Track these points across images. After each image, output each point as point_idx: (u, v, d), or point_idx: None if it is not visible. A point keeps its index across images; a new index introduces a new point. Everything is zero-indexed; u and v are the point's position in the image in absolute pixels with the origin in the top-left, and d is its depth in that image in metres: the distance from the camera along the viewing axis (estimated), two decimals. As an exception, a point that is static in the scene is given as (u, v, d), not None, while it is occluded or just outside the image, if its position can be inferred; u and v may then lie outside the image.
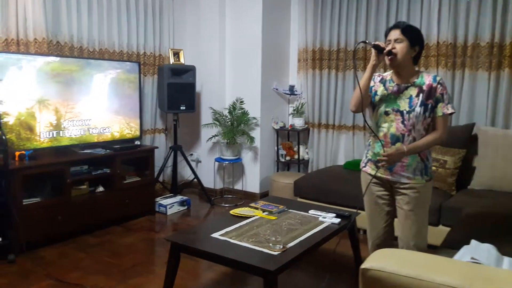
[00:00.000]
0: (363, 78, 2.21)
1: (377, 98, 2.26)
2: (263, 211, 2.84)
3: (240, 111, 4.59)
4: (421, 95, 2.14)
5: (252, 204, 2.97)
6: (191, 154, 5.05)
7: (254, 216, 2.75)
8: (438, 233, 3.19)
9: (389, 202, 2.34)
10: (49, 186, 3.40)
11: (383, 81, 2.28)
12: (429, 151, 2.25)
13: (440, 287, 1.10)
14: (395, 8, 4.14)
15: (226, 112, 4.64)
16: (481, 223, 2.68)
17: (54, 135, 3.46)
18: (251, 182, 4.77)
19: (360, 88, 2.19)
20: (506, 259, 2.07)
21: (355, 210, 2.92)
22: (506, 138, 3.53)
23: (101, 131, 3.79)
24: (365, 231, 3.54)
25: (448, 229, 3.04)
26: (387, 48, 2.13)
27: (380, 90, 2.27)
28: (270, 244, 2.23)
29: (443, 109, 2.13)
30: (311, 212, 2.86)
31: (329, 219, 2.71)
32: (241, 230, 2.48)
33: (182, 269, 2.46)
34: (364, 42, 2.35)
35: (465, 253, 2.12)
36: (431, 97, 2.13)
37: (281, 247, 2.21)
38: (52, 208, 3.30)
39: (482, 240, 2.27)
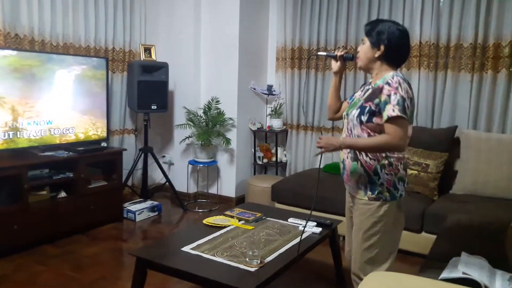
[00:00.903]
0: (330, 85, 2.23)
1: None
2: (239, 220, 2.64)
3: (215, 111, 4.37)
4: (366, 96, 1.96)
5: (227, 212, 2.76)
6: (163, 156, 4.79)
7: (229, 225, 2.54)
8: (421, 241, 3.10)
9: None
10: (4, 192, 3.09)
11: (363, 86, 2.14)
12: (382, 166, 1.91)
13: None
14: (376, 6, 4.01)
15: (200, 112, 4.41)
16: (467, 231, 2.58)
17: (11, 136, 3.15)
18: (227, 186, 4.56)
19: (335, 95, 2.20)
20: (498, 272, 1.96)
21: (335, 217, 2.79)
22: (489, 141, 3.44)
23: (64, 132, 3.50)
24: (344, 238, 3.42)
25: (431, 236, 2.95)
26: (339, 54, 2.12)
27: (358, 95, 2.13)
28: (247, 258, 2.03)
29: (388, 111, 1.81)
30: (291, 220, 2.69)
31: (310, 228, 2.54)
32: (215, 242, 2.27)
33: (149, 284, 2.23)
34: (316, 55, 2.38)
35: (455, 267, 1.99)
36: (372, 99, 1.88)
37: (259, 262, 2.01)
38: (7, 217, 3.00)
39: (470, 250, 2.16)
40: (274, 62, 4.74)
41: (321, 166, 4.30)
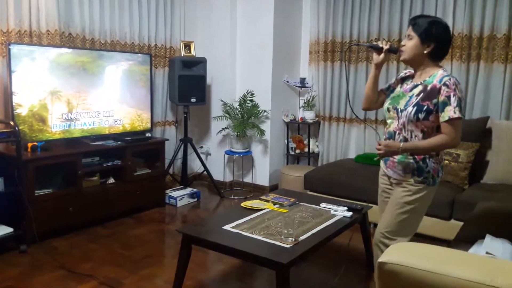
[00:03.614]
0: (369, 77, 2.28)
1: (390, 95, 2.24)
2: (274, 204, 2.83)
3: (250, 104, 4.57)
4: (421, 94, 2.04)
5: (263, 197, 2.96)
6: (201, 147, 5.05)
7: (265, 208, 2.74)
8: (450, 227, 3.17)
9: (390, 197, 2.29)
10: (61, 177, 3.42)
11: (404, 78, 2.24)
12: (430, 155, 2.07)
13: (461, 281, 1.08)
14: (409, -2, 4.08)
15: (236, 105, 4.63)
16: (495, 218, 2.65)
17: (66, 127, 3.47)
18: (261, 175, 4.76)
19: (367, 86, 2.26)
20: (521, 254, 2.04)
21: (366, 204, 2.92)
22: (521, 132, 3.47)
23: (113, 123, 3.80)
24: (375, 225, 3.54)
25: (460, 223, 3.02)
26: (385, 47, 2.14)
27: (397, 87, 2.24)
28: (282, 236, 2.22)
29: (449, 112, 1.94)
30: (323, 205, 2.85)
31: (341, 212, 2.70)
32: (253, 222, 2.48)
33: (192, 261, 2.45)
34: (357, 44, 2.38)
35: (479, 247, 2.10)
36: (430, 98, 1.99)
37: (293, 240, 2.20)
38: (64, 199, 3.33)
39: (496, 235, 2.24)
40: (307, 55, 4.88)
41: (354, 157, 4.45)
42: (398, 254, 1.27)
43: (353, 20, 4.44)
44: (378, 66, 2.20)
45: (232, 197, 4.52)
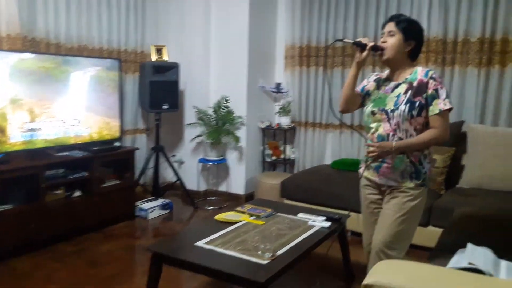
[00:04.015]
0: (348, 77, 2.15)
1: (367, 98, 2.17)
2: (250, 216, 2.70)
3: (225, 110, 4.44)
4: (409, 92, 1.99)
5: (238, 208, 2.83)
6: (174, 155, 4.87)
7: (240, 221, 2.61)
8: (428, 234, 3.13)
9: (381, 208, 2.20)
10: (22, 192, 3.18)
11: (377, 80, 2.17)
12: (425, 156, 2.05)
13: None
14: (385, 3, 4.06)
15: (210, 111, 4.49)
16: (474, 224, 2.62)
17: (28, 137, 3.25)
18: (236, 183, 4.63)
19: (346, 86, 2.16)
20: (503, 262, 2.00)
21: (344, 212, 2.84)
22: (496, 135, 3.48)
23: (79, 132, 3.60)
24: (353, 233, 3.47)
25: (438, 229, 2.98)
26: (370, 44, 2.03)
27: (372, 89, 2.17)
28: (259, 252, 2.10)
29: (439, 105, 1.94)
30: (300, 215, 2.74)
31: (319, 222, 2.60)
32: (227, 237, 2.34)
33: (163, 278, 2.30)
34: (341, 40, 2.27)
35: (461, 258, 2.04)
36: (420, 93, 1.97)
37: (271, 255, 2.08)
38: (25, 215, 3.10)
39: (476, 242, 2.20)
40: (283, 60, 4.79)
41: (330, 163, 4.39)
42: (385, 274, 1.17)
43: (328, 25, 4.39)
44: (359, 65, 2.09)
45: (207, 207, 4.37)
